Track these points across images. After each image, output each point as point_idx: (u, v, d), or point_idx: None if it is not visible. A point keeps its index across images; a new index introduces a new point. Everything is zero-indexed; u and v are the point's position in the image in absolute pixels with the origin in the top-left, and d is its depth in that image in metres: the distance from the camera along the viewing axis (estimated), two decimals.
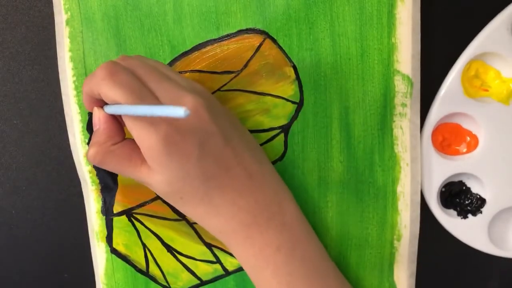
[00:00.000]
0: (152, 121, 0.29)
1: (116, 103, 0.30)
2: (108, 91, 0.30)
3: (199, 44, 0.38)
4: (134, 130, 0.30)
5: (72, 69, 0.39)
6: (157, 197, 0.40)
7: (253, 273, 0.35)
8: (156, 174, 0.31)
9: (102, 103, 0.33)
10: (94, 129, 0.33)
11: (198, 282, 0.42)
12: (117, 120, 0.33)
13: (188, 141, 0.30)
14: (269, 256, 0.33)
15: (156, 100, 0.30)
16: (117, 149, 0.32)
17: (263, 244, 0.33)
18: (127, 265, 0.41)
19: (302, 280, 0.34)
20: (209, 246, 0.41)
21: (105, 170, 0.40)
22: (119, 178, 0.40)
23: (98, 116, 0.33)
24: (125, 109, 0.29)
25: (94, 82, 0.31)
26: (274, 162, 0.39)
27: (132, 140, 0.33)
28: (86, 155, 0.33)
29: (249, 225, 0.33)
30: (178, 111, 0.24)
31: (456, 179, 0.40)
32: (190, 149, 0.30)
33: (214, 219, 0.33)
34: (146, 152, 0.30)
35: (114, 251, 0.41)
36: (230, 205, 0.32)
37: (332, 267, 0.36)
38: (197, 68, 0.38)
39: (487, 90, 0.38)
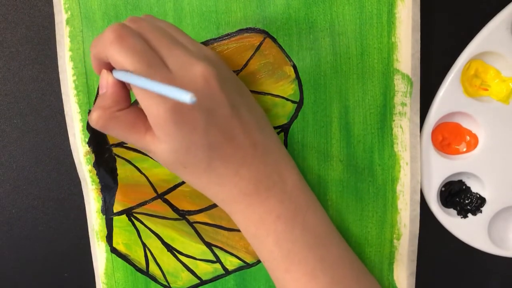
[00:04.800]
0: None
1: (123, 68, 0.30)
2: (116, 56, 0.29)
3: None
4: (142, 98, 0.30)
5: (72, 68, 0.39)
6: (157, 196, 0.40)
7: (255, 242, 0.35)
8: (161, 142, 0.30)
9: (110, 67, 0.32)
10: (101, 92, 0.32)
11: (198, 281, 0.42)
12: (124, 86, 0.32)
13: (195, 111, 0.30)
14: (269, 224, 0.33)
15: (165, 69, 0.30)
16: (122, 115, 0.31)
17: (264, 213, 0.33)
18: (127, 264, 0.41)
19: (304, 247, 0.34)
20: (209, 245, 0.41)
21: (105, 170, 0.40)
22: (119, 178, 0.40)
23: (106, 80, 0.32)
24: (134, 79, 0.29)
25: (102, 45, 0.30)
26: None
27: (137, 108, 0.32)
28: (89, 118, 0.32)
29: (250, 194, 0.33)
30: (184, 97, 0.24)
31: (455, 179, 0.40)
32: (197, 119, 0.30)
33: (216, 188, 0.33)
34: (153, 120, 0.30)
35: (114, 250, 0.41)
36: (233, 174, 0.32)
37: (336, 235, 0.36)
38: None
39: (486, 90, 0.38)
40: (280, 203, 0.34)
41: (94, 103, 0.39)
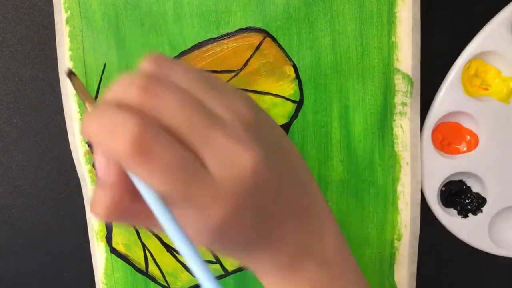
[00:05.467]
0: (202, 208, 0.23)
1: (150, 190, 0.23)
2: (141, 174, 0.22)
3: (199, 43, 0.38)
4: (178, 214, 0.23)
5: (72, 68, 0.39)
6: None
7: None
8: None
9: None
10: (101, 176, 0.24)
11: (198, 282, 0.41)
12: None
13: (242, 223, 0.24)
14: None
15: (205, 177, 0.23)
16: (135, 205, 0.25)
17: (299, 284, 0.29)
18: (126, 264, 0.41)
19: None
20: None
21: None
22: None
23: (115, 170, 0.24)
24: (162, 216, 0.23)
25: (117, 155, 0.22)
26: None
27: None
28: (90, 208, 0.24)
29: (286, 267, 0.28)
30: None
31: (456, 178, 0.40)
32: (245, 226, 0.25)
33: (252, 264, 0.29)
34: (194, 237, 0.24)
35: (113, 250, 0.41)
36: (272, 257, 0.28)
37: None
38: (197, 67, 0.38)
39: (487, 89, 0.38)
40: (316, 273, 0.29)
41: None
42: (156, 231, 0.26)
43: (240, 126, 0.24)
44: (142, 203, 0.23)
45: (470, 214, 0.40)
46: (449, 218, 0.40)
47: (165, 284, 0.42)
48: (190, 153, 0.23)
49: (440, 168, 0.39)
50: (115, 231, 0.41)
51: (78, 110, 0.39)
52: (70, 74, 0.27)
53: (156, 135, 0.22)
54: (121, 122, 0.21)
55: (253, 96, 0.38)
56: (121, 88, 0.23)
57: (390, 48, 0.37)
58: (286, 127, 0.39)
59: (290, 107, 0.38)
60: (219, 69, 0.38)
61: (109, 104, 0.22)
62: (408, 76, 0.37)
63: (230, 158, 0.23)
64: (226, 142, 0.23)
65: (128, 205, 0.24)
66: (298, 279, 0.29)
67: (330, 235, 0.30)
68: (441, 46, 0.39)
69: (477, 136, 0.39)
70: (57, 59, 0.39)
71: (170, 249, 0.41)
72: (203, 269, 0.22)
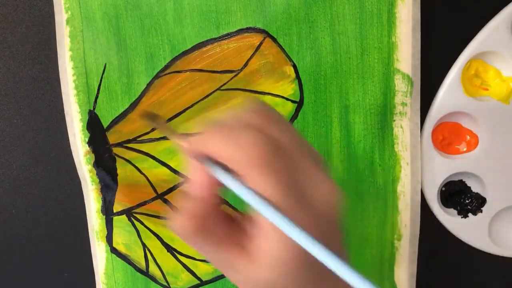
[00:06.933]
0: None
1: (261, 197, 0.23)
2: (258, 180, 0.23)
3: (199, 43, 0.38)
4: (270, 229, 0.23)
5: (72, 68, 0.39)
6: (157, 197, 0.40)
7: None
8: (264, 272, 0.24)
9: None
10: (193, 191, 0.25)
11: (198, 282, 0.41)
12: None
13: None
14: None
15: (303, 194, 0.24)
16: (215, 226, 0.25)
17: None
18: (127, 264, 0.41)
19: None
20: None
21: (105, 170, 0.40)
22: (119, 178, 0.40)
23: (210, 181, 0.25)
24: (280, 221, 0.23)
25: (239, 161, 0.23)
26: None
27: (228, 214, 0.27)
28: (172, 224, 0.26)
29: None
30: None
31: (456, 178, 0.40)
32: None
33: None
34: (269, 261, 0.24)
35: (114, 250, 0.41)
36: None
37: None
38: (197, 67, 0.38)
39: (487, 89, 0.38)
40: None
41: (94, 104, 0.39)
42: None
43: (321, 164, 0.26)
44: (221, 229, 0.25)
45: (470, 214, 0.40)
46: (449, 218, 0.40)
47: (165, 284, 0.42)
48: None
49: (440, 168, 0.39)
50: (115, 231, 0.41)
51: (79, 110, 0.39)
52: (152, 116, 0.27)
53: (277, 152, 0.23)
54: (248, 134, 0.23)
55: (254, 96, 0.38)
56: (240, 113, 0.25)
57: (390, 48, 0.37)
58: None
59: (290, 107, 0.38)
60: (219, 69, 0.38)
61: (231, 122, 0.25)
62: (408, 76, 0.37)
63: (316, 182, 0.25)
64: (315, 172, 0.25)
65: (209, 224, 0.25)
66: None
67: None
68: (441, 46, 0.39)
69: (477, 136, 0.39)
70: (57, 59, 0.39)
71: (171, 249, 0.41)
72: (350, 270, 0.21)
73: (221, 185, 0.25)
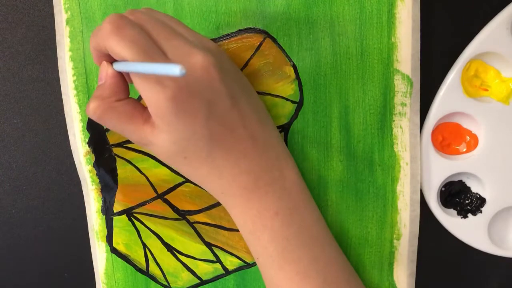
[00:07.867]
0: (160, 80, 0.29)
1: (122, 59, 0.29)
2: (115, 46, 0.29)
3: None
4: (142, 88, 0.29)
5: (72, 68, 0.39)
6: (157, 197, 0.40)
7: (250, 238, 0.34)
8: (162, 132, 0.30)
9: (110, 58, 0.32)
10: (99, 83, 0.32)
11: (198, 281, 0.42)
12: (123, 78, 0.32)
13: (196, 100, 0.30)
14: (266, 220, 0.33)
15: (164, 58, 0.29)
16: (119, 106, 0.31)
17: (262, 208, 0.33)
18: (127, 264, 0.41)
19: (299, 246, 0.33)
20: (209, 245, 0.41)
21: (105, 170, 0.40)
22: (119, 178, 0.40)
23: (106, 71, 0.32)
24: (128, 67, 0.29)
25: (101, 37, 0.30)
26: None
27: (135, 100, 0.32)
28: (86, 108, 0.32)
29: (250, 188, 0.33)
30: (174, 70, 0.24)
31: (456, 179, 0.40)
32: (198, 108, 0.30)
33: (216, 181, 0.33)
34: (153, 110, 0.29)
35: (114, 250, 0.41)
36: (232, 167, 0.32)
37: (330, 237, 0.36)
38: None
39: (486, 90, 0.38)
40: (279, 199, 0.34)
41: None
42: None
43: (200, 45, 0.31)
44: (122, 105, 0.31)
45: (469, 215, 0.40)
46: (448, 219, 0.40)
47: (165, 283, 0.42)
48: (154, 43, 0.30)
49: (440, 169, 0.39)
50: (116, 231, 0.41)
51: (79, 110, 0.39)
52: None
53: (130, 23, 0.30)
54: (107, 19, 0.30)
55: None
56: (99, 27, 0.31)
57: (389, 48, 0.37)
58: (286, 127, 0.39)
59: (290, 107, 0.38)
60: None
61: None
62: (407, 76, 0.37)
63: (186, 55, 0.30)
64: (185, 46, 0.30)
65: (113, 102, 0.31)
66: (262, 203, 0.33)
67: (288, 169, 0.35)
68: (441, 47, 0.39)
69: (476, 137, 0.39)
70: (57, 60, 0.39)
71: (171, 249, 0.41)
72: (156, 64, 0.26)
73: (123, 75, 0.32)
